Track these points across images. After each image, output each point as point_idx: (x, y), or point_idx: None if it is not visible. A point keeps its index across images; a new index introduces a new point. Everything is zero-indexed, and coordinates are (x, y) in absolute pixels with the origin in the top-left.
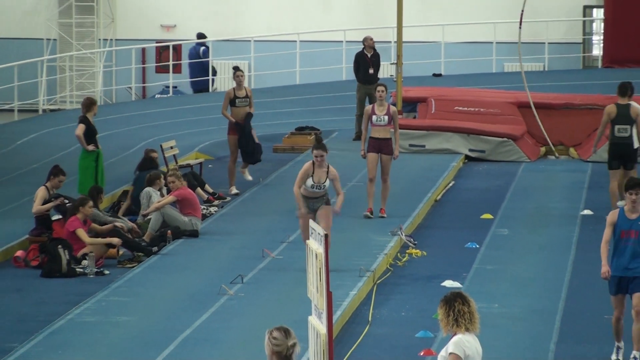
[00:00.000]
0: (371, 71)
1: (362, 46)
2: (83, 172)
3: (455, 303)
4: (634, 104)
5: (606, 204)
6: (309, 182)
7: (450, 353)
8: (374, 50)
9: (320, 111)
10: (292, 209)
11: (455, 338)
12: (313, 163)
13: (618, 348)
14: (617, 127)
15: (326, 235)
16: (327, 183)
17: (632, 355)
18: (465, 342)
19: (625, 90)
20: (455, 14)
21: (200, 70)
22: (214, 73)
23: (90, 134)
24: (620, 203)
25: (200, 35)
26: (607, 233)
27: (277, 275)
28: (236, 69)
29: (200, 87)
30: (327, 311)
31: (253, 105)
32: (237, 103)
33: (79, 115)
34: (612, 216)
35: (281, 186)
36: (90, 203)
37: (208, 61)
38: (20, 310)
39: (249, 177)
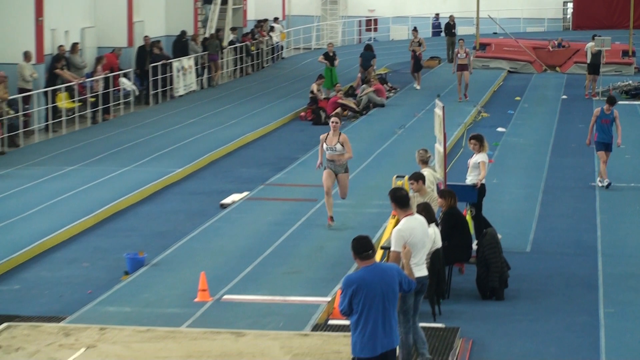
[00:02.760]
0: (453, 31)
1: (448, 19)
2: (326, 77)
3: (483, 138)
4: (591, 44)
5: (574, 94)
6: (325, 146)
7: (482, 161)
8: (454, 21)
9: (439, 50)
10: (428, 95)
11: (481, 154)
12: (327, 135)
13: (602, 180)
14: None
15: (443, 107)
16: (339, 146)
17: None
18: (487, 155)
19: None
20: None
21: (437, 30)
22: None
23: (327, 58)
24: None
25: (437, 14)
26: (592, 121)
27: (423, 123)
28: (415, 30)
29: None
30: (443, 141)
31: (424, 44)
32: (412, 45)
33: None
34: (596, 111)
35: (425, 84)
36: (342, 90)
37: (439, 25)
38: (302, 139)
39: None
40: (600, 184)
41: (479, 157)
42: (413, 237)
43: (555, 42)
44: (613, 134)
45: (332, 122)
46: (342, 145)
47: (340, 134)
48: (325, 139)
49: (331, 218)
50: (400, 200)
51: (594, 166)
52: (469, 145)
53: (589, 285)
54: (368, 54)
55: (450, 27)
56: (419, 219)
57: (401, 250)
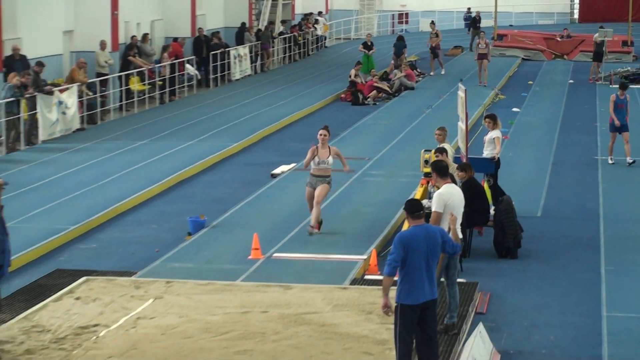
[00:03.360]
0: (478, 25)
1: (475, 15)
2: (363, 63)
3: (496, 117)
4: (596, 35)
5: (580, 79)
6: (316, 159)
7: (497, 137)
8: (479, 16)
9: (462, 40)
10: (452, 79)
11: (496, 131)
12: (317, 147)
13: (610, 160)
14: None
15: (465, 90)
16: (331, 159)
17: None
18: (500, 132)
19: (599, 28)
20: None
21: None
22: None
23: (366, 47)
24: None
25: (468, 8)
26: (611, 107)
27: (448, 104)
28: (432, 23)
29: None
30: (465, 120)
31: (440, 35)
32: (431, 37)
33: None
34: (612, 97)
35: (449, 70)
36: (377, 75)
37: (470, 18)
38: (342, 118)
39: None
40: (629, 161)
41: (493, 134)
42: (452, 201)
43: (564, 34)
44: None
45: (321, 135)
46: (334, 158)
47: (329, 147)
48: (316, 152)
49: (313, 227)
50: (441, 170)
51: (597, 142)
52: (484, 123)
53: (591, 246)
54: (400, 44)
55: (476, 21)
56: (456, 188)
57: (441, 210)
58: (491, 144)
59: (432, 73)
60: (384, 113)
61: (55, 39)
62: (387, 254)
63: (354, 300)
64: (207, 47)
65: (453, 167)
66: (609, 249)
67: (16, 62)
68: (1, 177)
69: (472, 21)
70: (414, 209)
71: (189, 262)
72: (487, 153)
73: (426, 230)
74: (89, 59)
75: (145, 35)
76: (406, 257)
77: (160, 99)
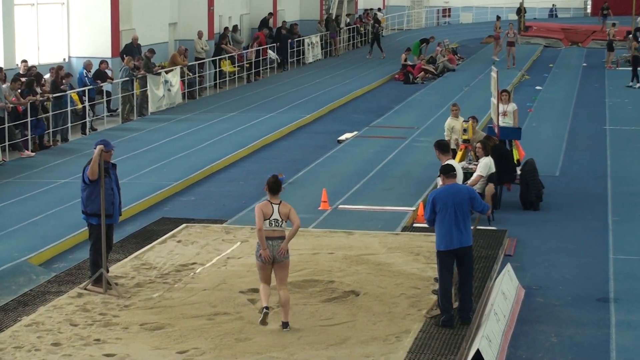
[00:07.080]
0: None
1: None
2: (413, 49)
3: (511, 92)
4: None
5: (592, 63)
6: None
7: (516, 109)
8: (524, 6)
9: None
10: (486, 63)
11: (512, 104)
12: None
13: None
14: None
15: (497, 72)
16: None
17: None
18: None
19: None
20: None
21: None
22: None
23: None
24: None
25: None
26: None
27: (483, 83)
28: (498, 18)
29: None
30: (497, 96)
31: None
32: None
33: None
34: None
35: (485, 54)
36: (425, 59)
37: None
38: (396, 94)
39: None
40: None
41: (512, 106)
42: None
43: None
44: None
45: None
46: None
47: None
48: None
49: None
50: (441, 146)
51: (605, 114)
52: (501, 97)
53: (601, 199)
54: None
55: (521, 11)
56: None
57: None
58: (510, 114)
59: (496, 58)
60: (430, 90)
61: (162, 30)
62: None
63: (405, 244)
64: (285, 37)
65: (479, 135)
66: (615, 203)
67: (134, 49)
68: (109, 141)
69: (517, 12)
70: (448, 170)
71: None
72: (506, 122)
73: (455, 188)
74: (189, 46)
75: (235, 26)
76: (438, 210)
77: (247, 78)
